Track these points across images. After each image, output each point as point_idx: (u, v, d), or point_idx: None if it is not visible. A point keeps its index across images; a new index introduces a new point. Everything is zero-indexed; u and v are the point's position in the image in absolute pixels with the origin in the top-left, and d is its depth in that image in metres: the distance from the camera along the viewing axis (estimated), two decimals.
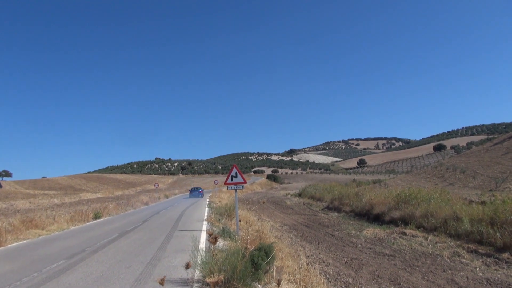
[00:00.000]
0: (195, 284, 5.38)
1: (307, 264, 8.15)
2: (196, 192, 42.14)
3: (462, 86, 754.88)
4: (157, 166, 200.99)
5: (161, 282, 3.82)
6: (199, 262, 5.66)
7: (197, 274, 5.78)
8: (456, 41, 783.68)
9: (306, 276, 6.44)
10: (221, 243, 9.89)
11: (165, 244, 9.57)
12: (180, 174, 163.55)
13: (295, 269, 7.72)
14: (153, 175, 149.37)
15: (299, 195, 48.30)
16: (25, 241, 11.93)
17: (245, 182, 11.75)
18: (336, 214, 26.09)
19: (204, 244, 9.25)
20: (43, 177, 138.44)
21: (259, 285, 5.86)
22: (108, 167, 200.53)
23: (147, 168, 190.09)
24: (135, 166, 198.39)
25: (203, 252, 8.05)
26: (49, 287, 5.69)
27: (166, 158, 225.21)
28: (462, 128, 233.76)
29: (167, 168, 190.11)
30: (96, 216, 19.42)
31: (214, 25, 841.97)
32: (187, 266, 3.61)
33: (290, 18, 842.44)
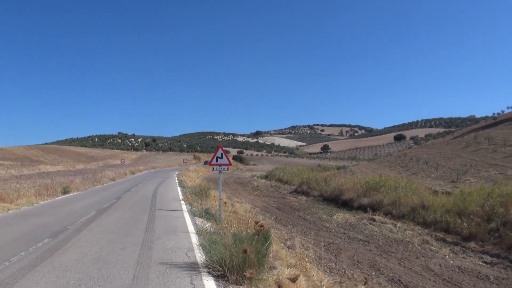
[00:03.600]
0: (203, 269, 5.34)
1: (300, 249, 8.34)
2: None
3: (423, 80, 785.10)
4: (119, 141, 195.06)
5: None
6: (207, 246, 5.63)
7: (200, 258, 5.75)
8: (419, 36, 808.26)
9: (301, 260, 6.61)
10: (206, 224, 9.91)
11: (151, 224, 9.42)
12: (144, 150, 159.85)
13: (285, 254, 7.90)
14: (115, 150, 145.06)
15: (266, 177, 48.86)
16: None
17: (230, 164, 11.73)
18: (304, 198, 26.74)
19: (192, 227, 9.20)
20: None
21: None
22: (67, 139, 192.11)
23: (109, 143, 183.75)
24: (96, 139, 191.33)
25: (196, 235, 8.05)
26: (44, 269, 5.43)
27: (130, 133, 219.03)
28: (422, 120, 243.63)
29: (130, 144, 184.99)
30: (65, 191, 18.75)
31: None
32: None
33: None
